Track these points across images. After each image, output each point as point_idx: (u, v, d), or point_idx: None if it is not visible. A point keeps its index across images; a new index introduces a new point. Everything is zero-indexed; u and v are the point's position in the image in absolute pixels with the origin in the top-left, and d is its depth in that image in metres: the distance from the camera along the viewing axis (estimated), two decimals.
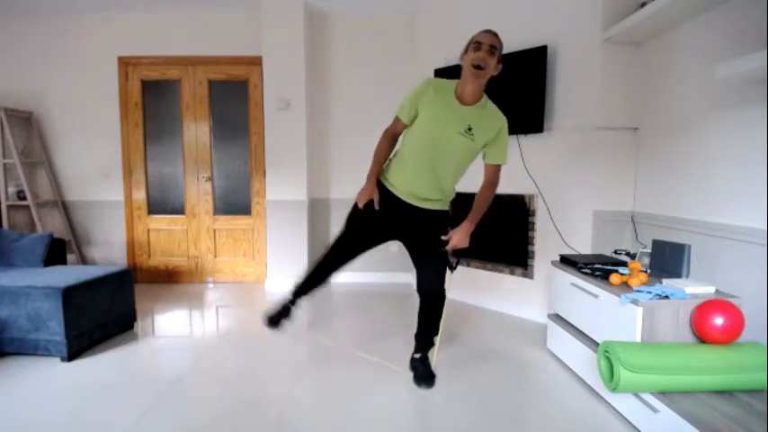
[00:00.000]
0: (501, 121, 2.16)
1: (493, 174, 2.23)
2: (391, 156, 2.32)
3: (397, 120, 2.25)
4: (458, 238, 2.17)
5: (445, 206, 2.31)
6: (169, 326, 3.29)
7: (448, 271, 2.30)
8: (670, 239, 2.39)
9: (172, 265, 4.44)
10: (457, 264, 2.27)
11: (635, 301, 1.95)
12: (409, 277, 2.34)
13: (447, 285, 2.32)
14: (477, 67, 2.01)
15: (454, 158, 2.17)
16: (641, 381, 1.76)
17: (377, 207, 2.22)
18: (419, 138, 2.17)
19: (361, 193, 2.25)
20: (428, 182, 2.19)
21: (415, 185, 2.21)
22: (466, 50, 2.08)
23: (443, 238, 2.21)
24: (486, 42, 2.02)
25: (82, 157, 4.33)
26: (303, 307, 3.68)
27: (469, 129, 2.10)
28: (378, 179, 2.28)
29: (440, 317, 2.37)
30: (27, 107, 4.21)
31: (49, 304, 2.48)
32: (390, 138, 2.28)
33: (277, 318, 2.46)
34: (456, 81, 2.15)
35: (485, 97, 2.16)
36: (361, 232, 2.32)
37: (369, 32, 4.25)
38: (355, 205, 2.29)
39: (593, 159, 3.00)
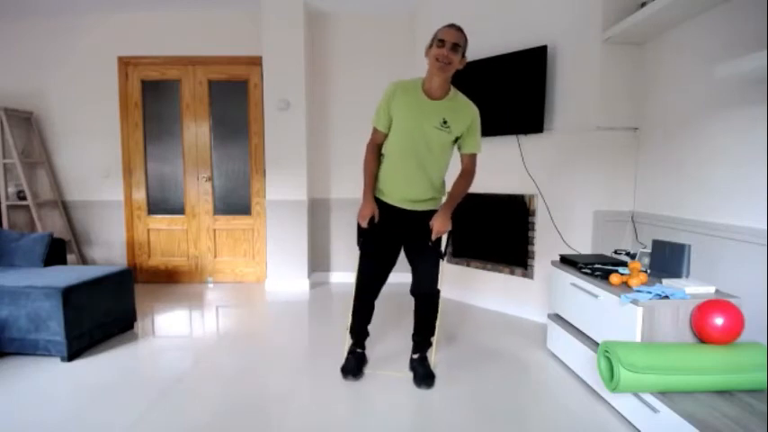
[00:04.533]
0: (473, 111, 2.20)
1: (469, 163, 2.27)
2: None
3: (375, 130, 2.27)
4: (439, 222, 2.19)
5: (437, 205, 2.31)
6: (169, 326, 3.28)
7: (441, 269, 2.30)
8: (670, 239, 2.39)
9: (172, 265, 4.44)
10: (446, 249, 2.28)
11: (635, 301, 1.95)
12: (409, 277, 2.34)
13: (440, 283, 2.32)
14: (442, 63, 2.04)
15: (436, 153, 2.19)
16: (641, 381, 1.76)
17: (376, 220, 2.24)
18: (400, 140, 2.19)
19: (361, 212, 2.25)
20: (419, 181, 2.21)
21: (408, 189, 2.22)
22: (430, 45, 2.10)
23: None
24: (449, 40, 2.05)
25: (82, 157, 4.33)
26: (304, 307, 3.71)
27: (444, 122, 2.13)
28: None
29: (435, 316, 2.37)
30: (27, 107, 4.21)
31: (49, 304, 2.48)
32: (374, 149, 2.29)
33: (354, 368, 2.38)
34: (421, 78, 2.17)
35: (453, 89, 2.18)
36: (377, 250, 2.30)
37: (369, 32, 4.24)
38: (359, 227, 2.29)
39: (593, 159, 3.00)
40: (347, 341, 2.50)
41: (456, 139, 2.22)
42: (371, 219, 2.24)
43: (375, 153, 2.29)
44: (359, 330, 2.45)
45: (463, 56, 2.11)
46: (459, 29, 2.09)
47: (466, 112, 2.18)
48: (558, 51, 3.07)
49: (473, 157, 2.26)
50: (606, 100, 2.93)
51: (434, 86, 2.12)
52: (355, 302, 2.39)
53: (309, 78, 4.14)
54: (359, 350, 2.46)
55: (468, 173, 2.26)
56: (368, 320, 2.44)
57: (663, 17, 2.47)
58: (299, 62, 3.97)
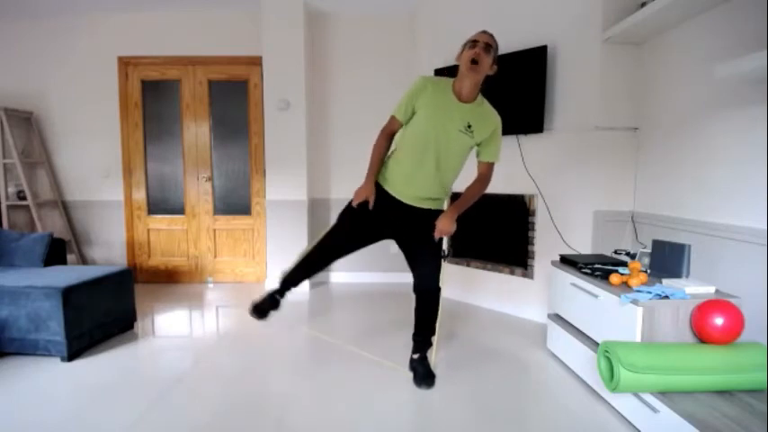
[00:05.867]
0: (497, 120, 2.21)
1: (487, 171, 2.27)
2: (388, 155, 2.33)
3: (393, 119, 2.26)
4: (443, 223, 2.19)
5: (441, 206, 2.31)
6: (169, 326, 3.29)
7: (443, 267, 2.30)
8: (670, 239, 2.39)
9: (172, 265, 4.44)
10: (448, 251, 2.29)
11: (635, 301, 1.95)
12: (409, 277, 2.34)
13: (441, 282, 2.33)
14: (473, 62, 2.05)
15: (454, 155, 2.20)
16: (641, 381, 1.76)
17: (370, 207, 2.23)
18: (420, 136, 2.18)
19: (358, 191, 2.25)
20: (431, 180, 2.21)
21: (417, 185, 2.21)
22: (462, 50, 2.12)
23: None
24: (481, 40, 2.07)
25: (82, 157, 4.33)
26: (304, 307, 3.71)
27: (469, 126, 2.14)
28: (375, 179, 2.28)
29: (436, 316, 2.37)
30: (27, 107, 4.21)
31: (49, 304, 2.48)
32: (387, 136, 2.29)
33: (264, 308, 2.45)
34: (452, 79, 2.18)
35: (480, 96, 2.19)
36: (352, 231, 2.32)
37: (369, 32, 4.24)
38: (349, 203, 2.29)
39: (593, 159, 3.00)
40: (273, 285, 2.48)
41: (476, 146, 2.22)
42: (365, 203, 2.23)
43: (386, 140, 2.29)
44: (292, 283, 2.46)
45: (494, 62, 2.11)
46: (491, 34, 2.11)
47: (490, 119, 2.19)
48: (558, 51, 3.07)
49: (491, 166, 2.26)
50: (606, 100, 2.93)
51: (465, 90, 2.13)
52: (307, 260, 2.40)
53: (309, 78, 4.14)
54: (278, 297, 2.48)
55: (483, 179, 2.27)
56: (305, 279, 2.47)
57: (663, 17, 2.47)
58: (299, 62, 3.96)
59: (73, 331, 2.54)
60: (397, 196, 2.25)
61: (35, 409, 2.08)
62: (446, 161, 2.18)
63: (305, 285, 4.11)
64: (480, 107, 2.18)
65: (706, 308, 1.86)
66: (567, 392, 2.27)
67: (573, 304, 2.49)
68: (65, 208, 4.36)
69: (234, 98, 4.30)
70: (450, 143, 2.15)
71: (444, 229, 2.19)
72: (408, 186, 2.23)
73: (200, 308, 3.69)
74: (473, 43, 2.08)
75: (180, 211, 4.41)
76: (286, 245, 4.13)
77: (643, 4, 2.52)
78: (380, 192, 2.26)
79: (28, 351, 2.55)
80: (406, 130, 2.24)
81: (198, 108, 4.30)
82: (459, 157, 2.22)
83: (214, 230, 4.42)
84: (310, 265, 2.43)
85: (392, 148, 2.32)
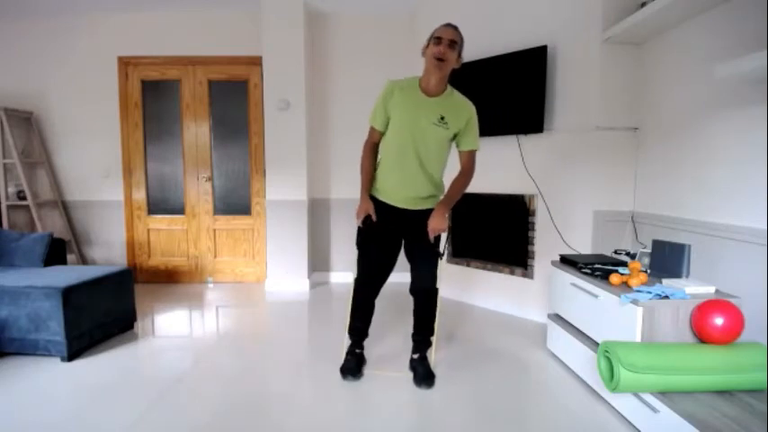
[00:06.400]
0: (470, 108, 2.22)
1: (468, 161, 2.28)
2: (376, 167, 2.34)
3: (372, 129, 2.29)
4: (435, 221, 2.20)
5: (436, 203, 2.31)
6: (169, 326, 3.28)
7: (439, 268, 2.31)
8: (670, 239, 2.39)
9: (172, 265, 4.44)
10: (445, 249, 2.30)
11: (635, 301, 1.95)
12: (408, 277, 2.35)
13: (438, 282, 2.33)
14: (439, 60, 2.07)
15: (434, 148, 2.21)
16: (641, 381, 1.76)
17: (374, 219, 2.25)
18: (397, 137, 2.20)
19: (358, 211, 2.28)
20: (419, 178, 2.22)
21: (408, 186, 2.23)
22: (427, 45, 2.15)
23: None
24: (446, 37, 2.09)
25: (82, 157, 4.33)
26: (304, 307, 3.71)
27: (442, 118, 2.16)
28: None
29: (434, 315, 2.37)
30: (27, 107, 4.21)
31: (49, 304, 2.48)
32: (371, 148, 2.31)
33: (351, 366, 2.37)
34: (418, 77, 2.21)
35: (449, 87, 2.21)
36: (375, 248, 2.31)
37: (369, 32, 4.25)
38: (358, 228, 2.32)
39: (593, 159, 3.00)
40: (346, 341, 2.50)
41: (454, 137, 2.23)
42: (368, 217, 2.25)
43: (372, 152, 2.31)
44: (358, 330, 2.44)
45: (459, 55, 2.14)
46: (455, 28, 2.14)
47: (463, 108, 2.20)
48: (558, 51, 3.07)
49: (472, 154, 2.27)
50: (606, 100, 2.92)
51: (431, 84, 2.15)
52: (353, 301, 2.40)
53: (309, 78, 4.14)
54: (357, 350, 2.45)
55: (467, 171, 2.27)
56: (367, 320, 2.44)
57: (663, 17, 2.47)
58: (299, 62, 3.97)
59: (73, 331, 2.54)
60: (391, 203, 2.26)
61: (35, 409, 2.08)
62: (427, 156, 2.20)
63: (305, 286, 4.14)
64: (450, 98, 2.20)
65: (706, 308, 1.86)
66: (567, 392, 2.27)
67: (573, 304, 2.49)
68: (65, 208, 4.36)
69: (234, 98, 4.30)
70: (426, 138, 2.17)
71: (436, 227, 2.20)
72: (400, 190, 2.24)
73: (200, 308, 3.69)
74: (437, 40, 2.09)
75: (180, 211, 4.41)
76: (286, 245, 4.14)
77: (643, 4, 2.52)
78: (379, 204, 2.28)
79: (28, 351, 2.55)
80: (385, 138, 2.27)
81: (198, 108, 4.30)
82: (440, 149, 2.23)
83: (214, 230, 4.42)
84: (362, 303, 2.40)
85: (378, 159, 2.34)
